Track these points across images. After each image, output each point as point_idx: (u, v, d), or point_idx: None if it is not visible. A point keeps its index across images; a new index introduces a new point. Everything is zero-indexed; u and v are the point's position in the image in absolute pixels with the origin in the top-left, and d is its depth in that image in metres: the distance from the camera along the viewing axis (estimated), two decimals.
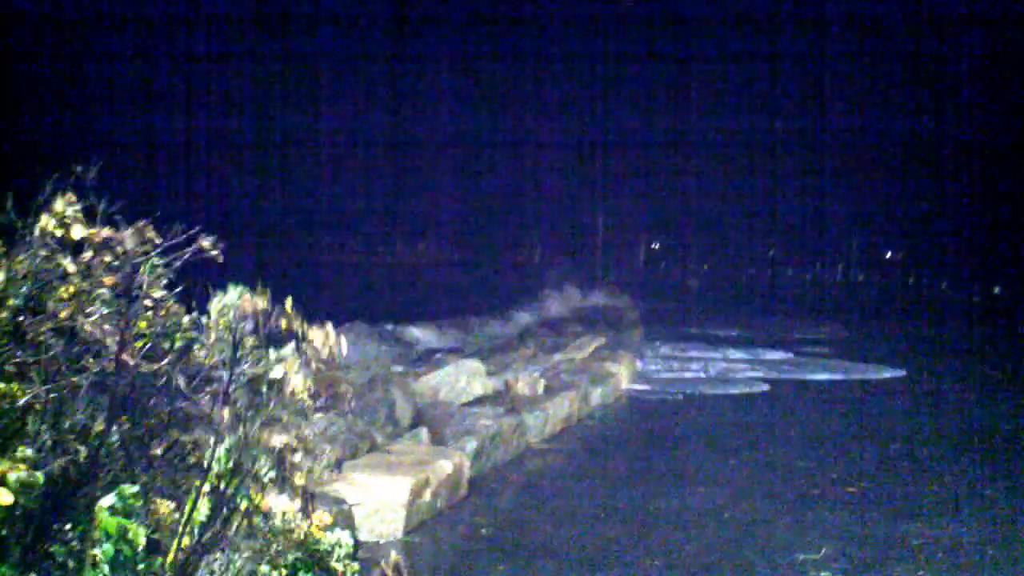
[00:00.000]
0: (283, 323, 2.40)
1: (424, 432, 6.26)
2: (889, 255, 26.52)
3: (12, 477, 1.85)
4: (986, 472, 6.23)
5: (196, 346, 2.68)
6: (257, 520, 2.27)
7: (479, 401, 7.29)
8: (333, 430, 5.43)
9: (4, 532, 2.01)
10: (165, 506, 2.52)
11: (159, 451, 2.40)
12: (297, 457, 2.38)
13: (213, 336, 2.64)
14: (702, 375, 10.63)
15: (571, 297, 13.80)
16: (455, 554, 4.73)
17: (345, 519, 4.68)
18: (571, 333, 11.63)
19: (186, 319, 2.70)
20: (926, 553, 4.60)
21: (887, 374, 11.58)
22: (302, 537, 2.58)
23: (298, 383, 2.34)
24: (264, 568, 2.52)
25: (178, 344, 2.68)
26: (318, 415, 5.45)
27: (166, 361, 2.57)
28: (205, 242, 2.10)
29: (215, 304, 2.70)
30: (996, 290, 22.94)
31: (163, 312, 2.68)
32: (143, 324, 2.69)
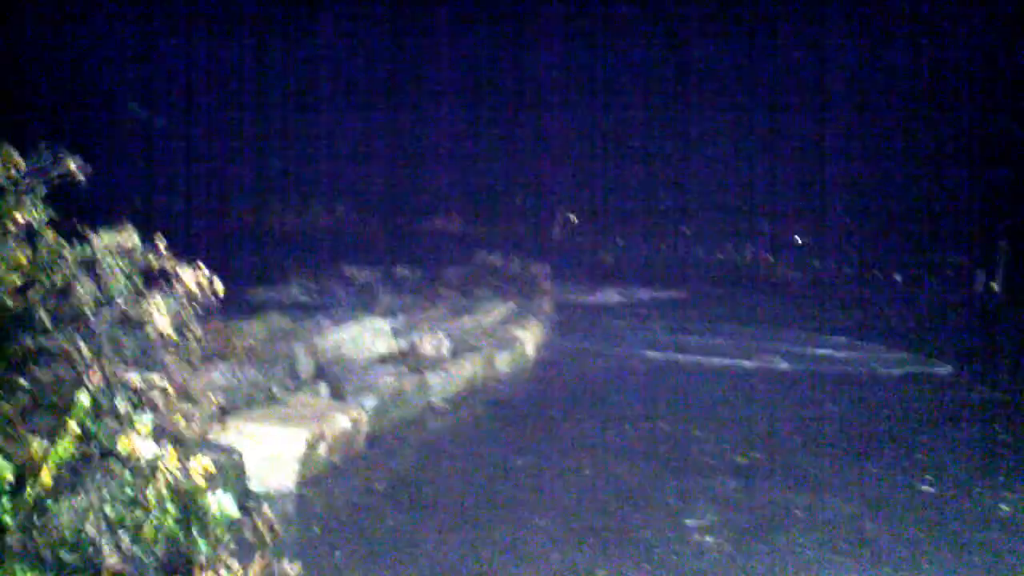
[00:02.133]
0: (153, 261, 2.31)
1: (323, 387, 6.19)
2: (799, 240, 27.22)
3: None
4: (872, 448, 6.45)
5: (77, 284, 2.57)
6: (116, 462, 2.19)
7: (383, 360, 7.24)
8: (224, 380, 5.32)
9: None
10: (37, 443, 2.42)
11: (25, 384, 2.31)
12: (169, 398, 2.30)
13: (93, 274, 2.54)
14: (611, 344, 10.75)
15: (483, 262, 13.77)
16: (346, 508, 4.70)
17: (235, 469, 4.61)
18: (480, 298, 11.63)
19: (67, 254, 2.59)
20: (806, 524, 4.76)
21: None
22: (175, 484, 2.50)
23: (162, 323, 2.26)
24: (138, 513, 2.45)
25: (57, 282, 2.57)
26: (214, 364, 5.33)
27: (38, 298, 2.46)
28: (72, 164, 2.00)
29: (96, 241, 2.59)
30: (898, 278, 23.80)
31: (40, 245, 2.57)
32: (22, 258, 2.58)
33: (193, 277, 2.34)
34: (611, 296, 16.57)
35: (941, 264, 23.15)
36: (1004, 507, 5.13)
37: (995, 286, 20.28)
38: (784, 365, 9.85)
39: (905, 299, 20.24)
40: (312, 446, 5.02)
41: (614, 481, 5.36)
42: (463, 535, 4.36)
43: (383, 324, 7.56)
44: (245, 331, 6.84)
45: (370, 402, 5.99)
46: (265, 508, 2.59)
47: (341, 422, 5.36)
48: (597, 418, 6.90)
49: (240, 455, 4.64)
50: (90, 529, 2.18)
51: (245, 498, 4.60)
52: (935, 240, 23.23)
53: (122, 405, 2.20)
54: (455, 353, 8.01)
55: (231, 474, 4.57)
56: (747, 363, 9.82)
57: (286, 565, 2.50)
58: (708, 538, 4.46)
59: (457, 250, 15.66)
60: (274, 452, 4.88)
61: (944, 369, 10.25)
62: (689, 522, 4.68)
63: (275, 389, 5.79)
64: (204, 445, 4.15)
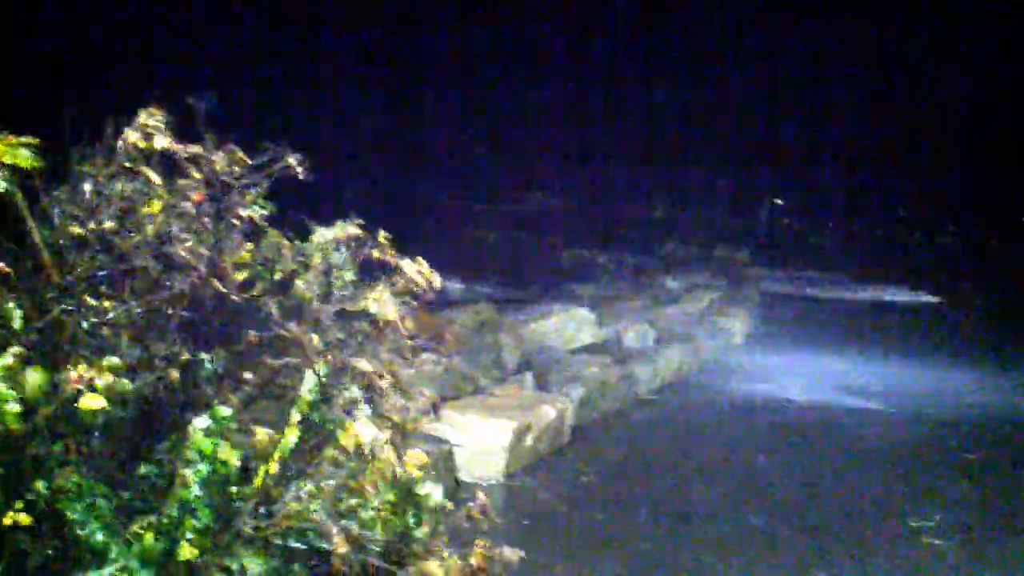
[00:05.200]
0: (375, 253, 2.33)
1: (529, 377, 6.20)
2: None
3: (101, 383, 1.85)
4: None
5: (298, 279, 2.65)
6: (338, 451, 2.22)
7: (587, 350, 7.18)
8: (435, 371, 5.42)
9: (97, 447, 2.02)
10: (263, 433, 2.51)
11: (251, 376, 2.39)
12: (388, 388, 2.32)
13: (313, 268, 2.60)
14: None
15: (688, 249, 13.46)
16: (554, 500, 4.67)
17: (445, 460, 4.68)
18: (685, 286, 11.35)
19: (287, 250, 2.67)
20: None
21: None
22: (392, 473, 2.52)
23: (389, 313, 2.27)
24: (353, 501, 2.49)
25: (278, 276, 2.66)
26: (423, 355, 5.46)
27: (262, 292, 2.54)
28: (291, 159, 2.04)
29: (317, 236, 2.66)
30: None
31: (263, 241, 2.66)
32: (246, 255, 2.68)
33: (413, 269, 2.35)
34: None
35: None
36: None
37: None
38: None
39: None
40: (519, 437, 5.03)
41: (833, 477, 5.05)
42: (671, 531, 4.24)
43: (588, 314, 7.50)
44: (454, 321, 6.98)
45: (576, 393, 5.95)
46: (480, 495, 2.58)
47: (548, 413, 5.34)
48: (813, 410, 6.55)
49: (450, 446, 4.71)
50: (318, 515, 2.22)
51: (456, 488, 4.67)
52: None
53: (349, 394, 2.23)
54: (660, 342, 7.85)
55: (442, 464, 4.64)
56: None
57: (507, 551, 2.47)
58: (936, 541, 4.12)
59: (656, 236, 15.36)
60: (482, 442, 4.92)
61: None
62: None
63: (482, 380, 5.86)
64: (418, 435, 4.24)
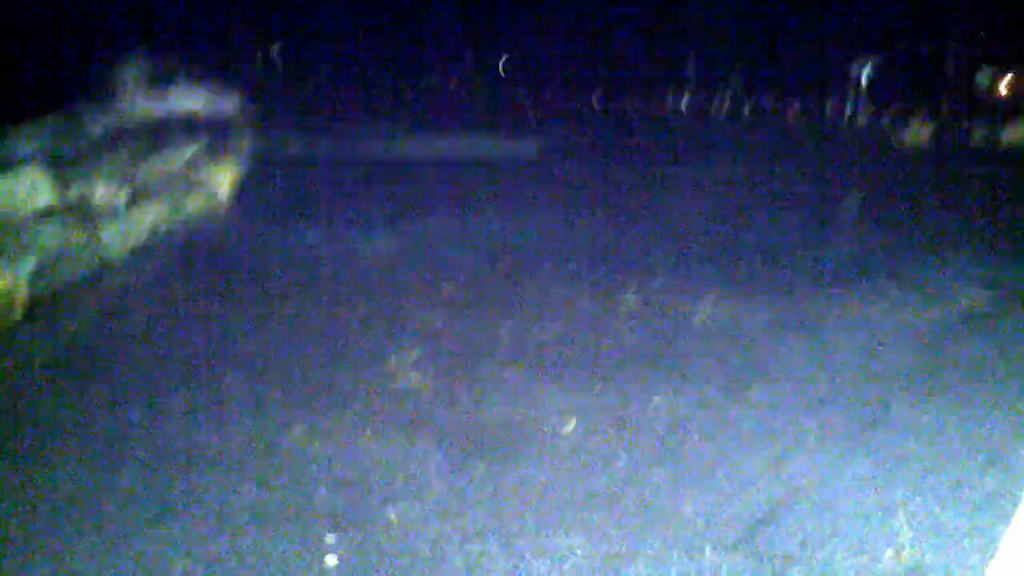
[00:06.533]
0: None
1: None
2: None
3: None
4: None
5: None
6: None
7: (48, 214, 6.44)
8: None
9: None
10: None
11: None
12: None
13: None
14: None
15: (169, 97, 12.61)
16: None
17: None
18: (167, 138, 10.68)
19: None
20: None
21: None
22: None
23: None
24: None
25: None
26: None
27: None
28: None
29: None
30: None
31: None
32: None
33: None
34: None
35: None
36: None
37: None
38: None
39: None
40: None
41: (310, 324, 5.17)
42: (136, 408, 4.02)
43: (42, 173, 6.69)
44: None
45: (27, 264, 5.34)
46: None
47: None
48: (298, 263, 6.62)
49: None
50: None
51: None
52: None
53: None
54: (135, 202, 7.32)
55: None
56: None
57: None
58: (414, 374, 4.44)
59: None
60: None
61: None
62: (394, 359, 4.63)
63: None
64: None
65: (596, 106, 16.85)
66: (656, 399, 4.10)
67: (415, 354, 4.65)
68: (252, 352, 4.71)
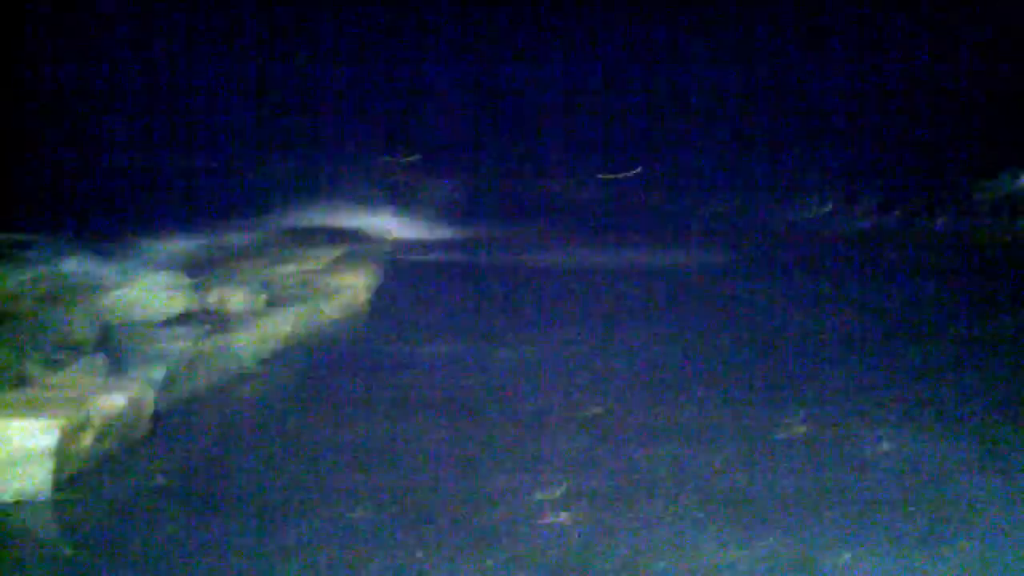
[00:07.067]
0: None
1: (100, 359, 5.14)
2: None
3: None
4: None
5: None
6: None
7: (181, 320, 6.21)
8: None
9: None
10: None
11: None
12: None
13: None
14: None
15: (310, 205, 12.72)
16: (112, 512, 3.78)
17: None
18: (310, 244, 10.61)
19: None
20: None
21: None
22: None
23: None
24: None
25: None
26: None
27: None
28: None
29: None
30: None
31: None
32: None
33: None
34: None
35: None
36: None
37: None
38: None
39: None
40: (71, 437, 4.02)
41: (445, 450, 4.61)
42: (256, 538, 3.54)
43: (179, 277, 6.52)
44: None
45: (158, 373, 5.01)
46: None
47: (112, 403, 4.35)
48: (433, 375, 6.13)
49: None
50: None
51: None
52: None
53: None
54: (272, 306, 7.06)
55: None
56: None
57: None
58: (562, 514, 3.81)
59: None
60: (20, 450, 3.87)
61: None
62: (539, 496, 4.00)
63: (32, 368, 4.72)
64: None
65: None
66: (845, 555, 3.33)
67: (563, 487, 4.01)
68: (383, 479, 4.16)
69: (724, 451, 4.49)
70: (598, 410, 5.19)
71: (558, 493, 3.98)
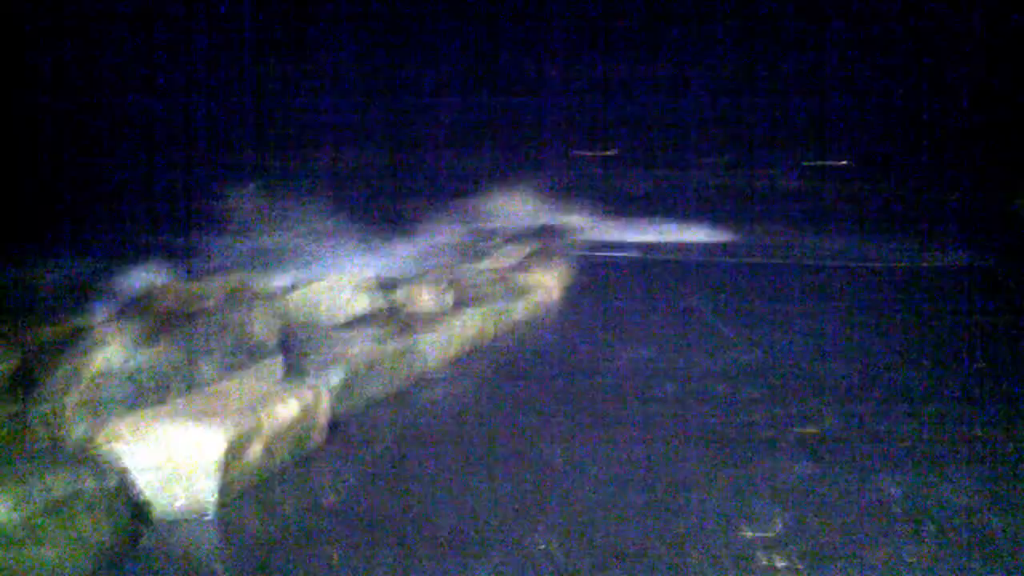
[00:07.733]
0: None
1: (278, 363, 4.86)
2: None
3: None
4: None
5: None
6: None
7: (365, 321, 5.89)
8: (126, 367, 4.03)
9: None
10: None
11: None
12: None
13: None
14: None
15: (500, 199, 12.38)
16: (278, 535, 3.41)
17: (114, 494, 3.32)
18: (501, 241, 10.22)
19: None
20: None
21: None
22: None
23: None
24: None
25: None
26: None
27: None
28: None
29: None
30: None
31: None
32: None
33: None
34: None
35: None
36: None
37: None
38: None
39: None
40: (239, 448, 3.71)
41: (650, 472, 4.00)
42: (432, 562, 3.06)
43: (365, 276, 6.21)
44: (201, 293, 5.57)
45: (335, 378, 4.68)
46: None
47: (285, 410, 4.02)
48: (628, 380, 5.51)
49: (123, 472, 3.35)
50: None
51: (135, 531, 3.33)
52: None
53: None
54: (458, 306, 6.65)
55: (119, 502, 3.29)
56: None
57: None
58: (779, 561, 3.10)
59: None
60: (186, 461, 3.58)
61: None
62: (750, 534, 3.31)
63: (208, 370, 4.49)
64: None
65: None
66: None
67: (778, 524, 3.30)
68: (570, 505, 3.60)
69: (970, 479, 3.62)
70: (813, 429, 4.41)
71: (772, 532, 3.28)
